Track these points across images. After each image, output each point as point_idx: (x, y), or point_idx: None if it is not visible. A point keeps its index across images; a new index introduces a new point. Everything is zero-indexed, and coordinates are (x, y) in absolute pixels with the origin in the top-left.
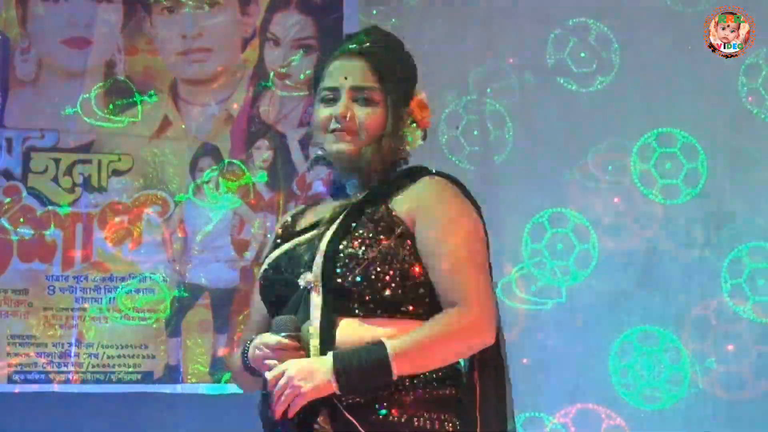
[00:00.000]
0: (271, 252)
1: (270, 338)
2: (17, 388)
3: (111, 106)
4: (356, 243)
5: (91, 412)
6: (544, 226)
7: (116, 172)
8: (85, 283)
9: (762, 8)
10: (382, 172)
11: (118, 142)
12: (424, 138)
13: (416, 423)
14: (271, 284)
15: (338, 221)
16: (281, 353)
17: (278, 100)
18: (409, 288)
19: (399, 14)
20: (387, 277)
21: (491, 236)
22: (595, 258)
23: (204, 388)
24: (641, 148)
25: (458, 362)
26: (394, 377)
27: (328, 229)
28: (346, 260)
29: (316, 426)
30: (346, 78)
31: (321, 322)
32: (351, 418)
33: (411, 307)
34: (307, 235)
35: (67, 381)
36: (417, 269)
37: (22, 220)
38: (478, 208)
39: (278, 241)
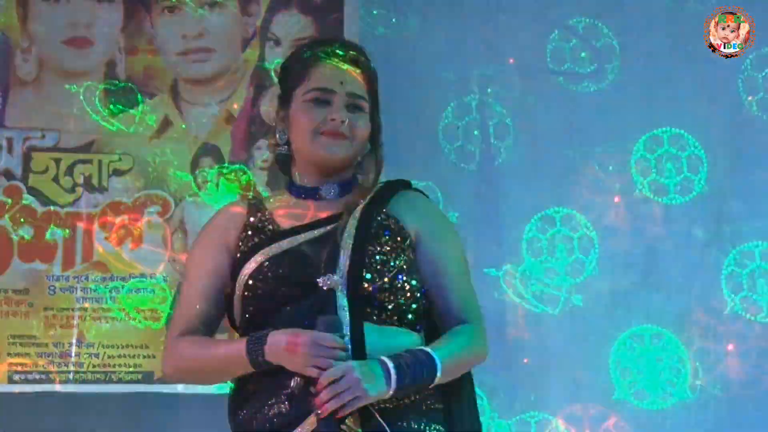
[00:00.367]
0: (255, 249)
1: (326, 338)
2: (17, 389)
3: (111, 106)
4: (386, 248)
5: (92, 412)
6: (545, 227)
7: (117, 172)
8: (85, 283)
9: (762, 8)
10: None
11: (118, 142)
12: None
13: None
14: (274, 283)
15: (354, 225)
16: (335, 353)
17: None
18: (418, 299)
19: (399, 14)
20: (407, 286)
21: (492, 235)
22: (596, 258)
23: (205, 389)
24: (642, 148)
25: None
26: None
27: (337, 230)
28: (377, 266)
29: (344, 427)
30: (342, 83)
31: (351, 327)
32: (383, 424)
33: (413, 318)
34: (315, 235)
35: (67, 381)
36: (420, 282)
37: (22, 220)
38: None
39: (259, 238)
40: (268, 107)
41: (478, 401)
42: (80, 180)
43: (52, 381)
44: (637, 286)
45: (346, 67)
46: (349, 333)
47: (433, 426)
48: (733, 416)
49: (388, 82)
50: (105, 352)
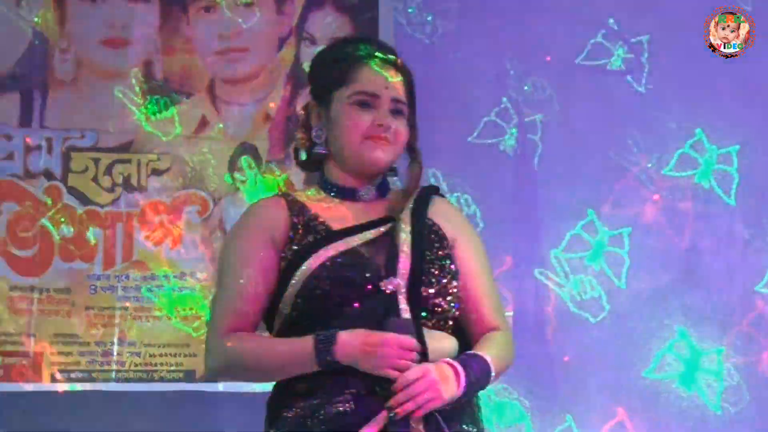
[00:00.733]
0: (311, 248)
1: (405, 340)
2: (60, 387)
3: (149, 106)
4: (439, 254)
5: (134, 410)
6: (583, 225)
7: (155, 172)
8: (126, 282)
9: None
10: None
11: (156, 141)
12: None
13: None
14: (334, 283)
15: (408, 229)
16: (413, 356)
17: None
18: (457, 305)
19: (434, 12)
20: (455, 291)
21: (530, 234)
22: (636, 257)
23: (246, 387)
24: (680, 146)
25: None
26: None
27: (392, 233)
28: (435, 270)
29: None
30: (387, 88)
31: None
32: (444, 425)
33: (452, 322)
34: (369, 237)
35: (109, 380)
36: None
37: (63, 219)
38: None
39: (313, 237)
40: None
41: (517, 403)
42: (119, 180)
43: (94, 380)
44: (678, 286)
45: (389, 70)
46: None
47: (475, 430)
48: None
49: (422, 81)
50: (146, 351)
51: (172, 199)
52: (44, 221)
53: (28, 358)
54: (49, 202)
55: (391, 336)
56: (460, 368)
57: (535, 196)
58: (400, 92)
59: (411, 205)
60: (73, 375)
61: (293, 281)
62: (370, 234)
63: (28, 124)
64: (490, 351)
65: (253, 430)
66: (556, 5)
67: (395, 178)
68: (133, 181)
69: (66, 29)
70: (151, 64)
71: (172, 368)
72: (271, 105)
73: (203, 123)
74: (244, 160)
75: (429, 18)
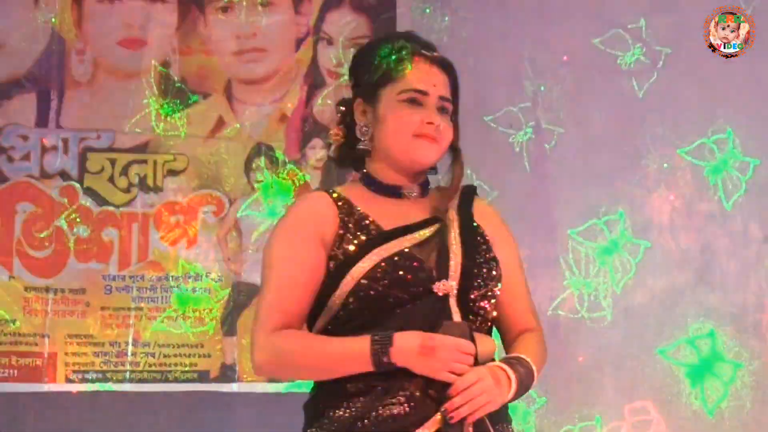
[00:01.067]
0: (365, 248)
1: (464, 344)
2: (75, 388)
3: (166, 107)
4: (487, 256)
5: (148, 411)
6: (599, 225)
7: (171, 172)
8: (141, 283)
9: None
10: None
11: (173, 142)
12: None
13: None
14: (389, 284)
15: (457, 231)
16: (470, 360)
17: (333, 100)
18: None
19: (451, 12)
20: (498, 293)
21: (547, 232)
22: (651, 256)
23: (260, 387)
24: (696, 147)
25: None
26: None
27: (440, 234)
28: (484, 274)
29: None
30: (434, 85)
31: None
32: (491, 428)
33: (490, 324)
34: (419, 238)
35: (124, 380)
36: None
37: (78, 220)
38: None
39: (366, 236)
40: (321, 106)
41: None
42: (135, 180)
43: (108, 380)
44: (693, 285)
45: (436, 68)
46: None
47: (511, 427)
48: None
49: None
50: (161, 351)
51: (188, 199)
52: (60, 222)
53: (43, 358)
54: (65, 202)
55: (450, 339)
56: (511, 372)
57: (549, 194)
58: (446, 90)
59: (455, 206)
60: (87, 375)
61: (345, 280)
62: (419, 235)
63: (45, 125)
64: (531, 353)
65: (267, 430)
66: (573, 5)
67: (437, 176)
68: (149, 182)
69: (83, 30)
70: (168, 64)
71: (187, 369)
72: (288, 105)
73: (220, 123)
74: (261, 161)
75: (446, 18)
